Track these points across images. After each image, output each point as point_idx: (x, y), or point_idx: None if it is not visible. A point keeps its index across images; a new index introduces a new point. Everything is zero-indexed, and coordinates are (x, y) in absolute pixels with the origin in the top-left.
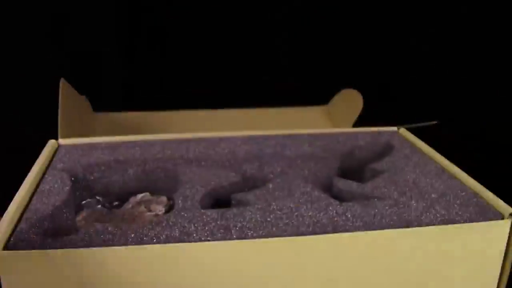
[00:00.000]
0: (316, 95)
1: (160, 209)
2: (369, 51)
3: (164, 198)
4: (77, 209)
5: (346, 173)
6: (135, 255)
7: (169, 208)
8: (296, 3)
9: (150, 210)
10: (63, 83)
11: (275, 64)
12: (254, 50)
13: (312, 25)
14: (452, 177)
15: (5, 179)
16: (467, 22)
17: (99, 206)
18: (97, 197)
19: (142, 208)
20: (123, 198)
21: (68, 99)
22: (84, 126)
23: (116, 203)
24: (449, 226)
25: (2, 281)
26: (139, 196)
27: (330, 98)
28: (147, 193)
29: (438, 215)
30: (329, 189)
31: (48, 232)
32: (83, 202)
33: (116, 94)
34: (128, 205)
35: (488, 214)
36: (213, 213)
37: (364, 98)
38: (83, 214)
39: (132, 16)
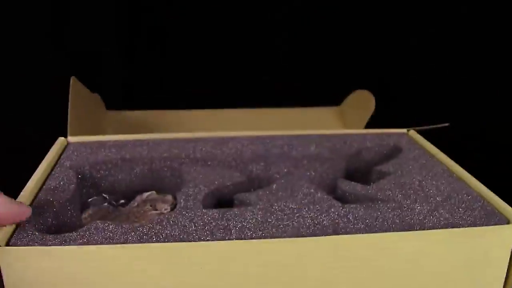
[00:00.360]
0: (316, 95)
1: (165, 208)
2: (369, 51)
3: (170, 197)
4: (83, 206)
5: (353, 174)
6: (133, 253)
7: (175, 207)
8: (296, 3)
9: (155, 209)
10: (73, 81)
11: (275, 64)
12: (254, 50)
13: (312, 25)
14: (459, 180)
15: (12, 177)
16: (467, 22)
17: (106, 204)
18: (104, 195)
19: (148, 206)
20: (130, 196)
21: (78, 97)
22: (95, 124)
23: (122, 201)
24: (453, 230)
25: (3, 275)
26: (145, 194)
27: (329, 98)
28: (153, 192)
29: (441, 218)
30: (334, 191)
31: (52, 229)
32: (90, 199)
33: (116, 94)
34: (134, 204)
35: (494, 218)
36: (214, 212)
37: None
38: (89, 211)
39: (132, 16)
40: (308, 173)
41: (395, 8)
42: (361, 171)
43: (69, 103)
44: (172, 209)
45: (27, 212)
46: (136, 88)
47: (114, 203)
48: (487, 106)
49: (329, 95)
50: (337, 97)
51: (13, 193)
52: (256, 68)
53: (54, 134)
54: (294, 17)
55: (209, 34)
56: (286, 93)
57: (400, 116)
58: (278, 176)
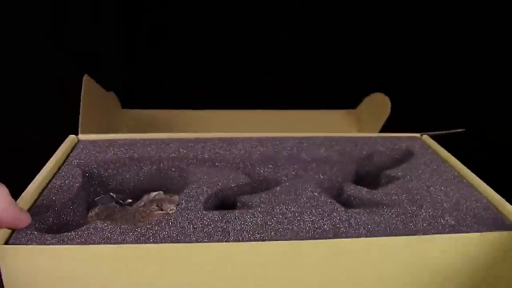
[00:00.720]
0: (316, 95)
1: (171, 208)
2: (368, 51)
3: (176, 197)
4: (90, 205)
5: (364, 178)
6: (130, 254)
7: None
8: (296, 3)
9: (161, 209)
10: (86, 79)
11: (275, 64)
12: (254, 50)
13: (312, 26)
14: (470, 186)
15: (13, 176)
16: (467, 22)
17: (113, 203)
18: (111, 194)
19: (154, 206)
20: (137, 195)
21: (91, 95)
22: (109, 122)
23: (129, 200)
24: (455, 235)
25: (2, 273)
26: (153, 194)
27: (330, 98)
28: (161, 192)
29: (446, 225)
30: (341, 194)
31: (53, 229)
32: (96, 198)
33: (116, 94)
34: (141, 203)
35: (502, 226)
36: (214, 214)
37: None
38: (96, 210)
39: (132, 16)
40: (317, 176)
41: (396, 9)
42: (372, 175)
43: (81, 102)
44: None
45: (27, 220)
46: (136, 88)
47: (122, 202)
48: (486, 105)
49: (329, 95)
50: (337, 97)
51: (17, 191)
52: (256, 68)
53: (54, 133)
54: (294, 17)
55: (209, 34)
56: (286, 93)
57: (399, 117)
58: (286, 179)
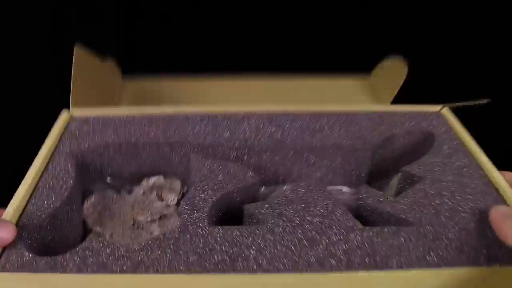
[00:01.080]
0: (326, 56)
1: (172, 199)
2: (369, 51)
3: (177, 184)
4: (86, 193)
5: (379, 167)
6: (125, 284)
7: (182, 197)
8: (296, 3)
9: (161, 199)
10: (77, 49)
11: (280, 24)
12: (254, 51)
13: (312, 25)
14: (495, 187)
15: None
16: (466, 21)
17: (110, 190)
18: (108, 181)
19: (154, 196)
20: (136, 181)
21: (84, 66)
22: (108, 94)
23: (127, 187)
24: (484, 269)
25: None
26: (152, 179)
27: (339, 59)
28: (161, 176)
29: (471, 253)
30: (356, 184)
31: (46, 239)
32: (92, 186)
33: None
34: (140, 191)
35: None
36: (220, 236)
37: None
38: (92, 199)
39: (132, 16)
40: (329, 163)
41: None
42: (388, 162)
43: (72, 74)
44: (179, 200)
45: (8, 236)
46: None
47: (119, 188)
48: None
49: (339, 56)
50: (348, 58)
51: (12, 184)
52: (260, 28)
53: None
54: (294, 17)
55: (209, 34)
56: (292, 53)
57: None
58: (297, 169)
